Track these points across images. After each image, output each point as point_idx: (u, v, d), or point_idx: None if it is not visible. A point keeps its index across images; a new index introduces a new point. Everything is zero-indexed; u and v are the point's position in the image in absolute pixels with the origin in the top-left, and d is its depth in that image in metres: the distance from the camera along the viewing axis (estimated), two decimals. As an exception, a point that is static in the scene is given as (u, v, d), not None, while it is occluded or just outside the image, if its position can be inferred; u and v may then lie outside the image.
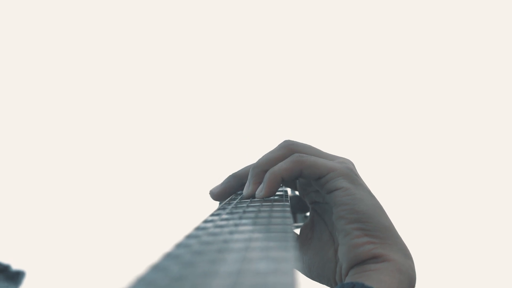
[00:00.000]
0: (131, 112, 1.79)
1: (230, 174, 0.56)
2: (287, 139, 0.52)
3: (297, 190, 0.58)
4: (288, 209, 0.43)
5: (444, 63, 1.80)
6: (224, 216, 0.41)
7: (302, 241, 0.54)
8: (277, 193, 0.52)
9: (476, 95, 1.78)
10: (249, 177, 0.51)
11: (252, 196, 0.50)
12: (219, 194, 0.55)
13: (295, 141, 0.51)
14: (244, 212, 0.42)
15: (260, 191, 0.49)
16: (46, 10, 1.79)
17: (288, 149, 0.50)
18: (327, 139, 1.71)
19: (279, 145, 0.51)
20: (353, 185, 0.48)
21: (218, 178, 0.57)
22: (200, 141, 1.75)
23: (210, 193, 0.57)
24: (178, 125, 1.78)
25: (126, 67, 1.80)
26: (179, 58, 1.81)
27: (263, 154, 0.51)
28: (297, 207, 0.59)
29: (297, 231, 0.55)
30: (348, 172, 0.48)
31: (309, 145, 0.51)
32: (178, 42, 1.81)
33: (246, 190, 0.51)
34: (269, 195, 0.49)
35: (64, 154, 1.76)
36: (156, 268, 0.25)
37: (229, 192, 0.55)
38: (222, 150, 1.68)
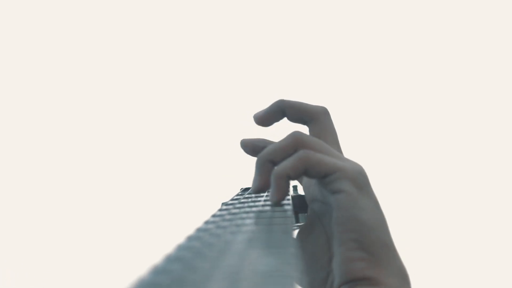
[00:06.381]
0: (132, 113, 1.80)
1: (278, 100, 0.54)
2: (296, 130, 0.49)
3: (301, 184, 0.57)
4: (290, 207, 0.43)
5: (444, 63, 1.80)
6: (227, 217, 0.42)
7: (299, 242, 0.52)
8: None
9: (476, 95, 1.78)
10: (254, 170, 0.48)
11: (259, 191, 0.48)
12: (263, 119, 0.54)
13: (305, 134, 0.47)
14: (246, 212, 0.43)
15: (272, 196, 0.46)
16: (46, 10, 1.79)
17: (296, 139, 0.46)
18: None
19: (287, 135, 0.47)
20: (359, 191, 0.44)
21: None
22: (200, 141, 1.75)
23: (254, 118, 0.55)
24: (179, 126, 1.78)
25: (126, 67, 1.81)
26: (178, 58, 1.82)
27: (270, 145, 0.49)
28: (300, 206, 0.58)
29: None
30: (357, 176, 0.45)
31: (320, 141, 0.48)
32: (176, 41, 1.82)
33: (253, 186, 0.48)
34: (282, 197, 0.45)
35: (69, 156, 1.77)
36: (158, 270, 0.25)
37: (275, 118, 0.53)
38: (222, 150, 1.68)
